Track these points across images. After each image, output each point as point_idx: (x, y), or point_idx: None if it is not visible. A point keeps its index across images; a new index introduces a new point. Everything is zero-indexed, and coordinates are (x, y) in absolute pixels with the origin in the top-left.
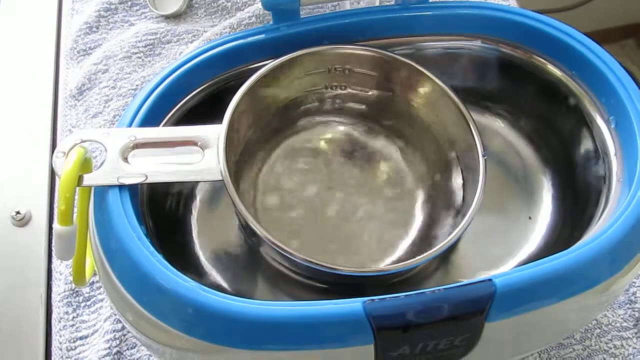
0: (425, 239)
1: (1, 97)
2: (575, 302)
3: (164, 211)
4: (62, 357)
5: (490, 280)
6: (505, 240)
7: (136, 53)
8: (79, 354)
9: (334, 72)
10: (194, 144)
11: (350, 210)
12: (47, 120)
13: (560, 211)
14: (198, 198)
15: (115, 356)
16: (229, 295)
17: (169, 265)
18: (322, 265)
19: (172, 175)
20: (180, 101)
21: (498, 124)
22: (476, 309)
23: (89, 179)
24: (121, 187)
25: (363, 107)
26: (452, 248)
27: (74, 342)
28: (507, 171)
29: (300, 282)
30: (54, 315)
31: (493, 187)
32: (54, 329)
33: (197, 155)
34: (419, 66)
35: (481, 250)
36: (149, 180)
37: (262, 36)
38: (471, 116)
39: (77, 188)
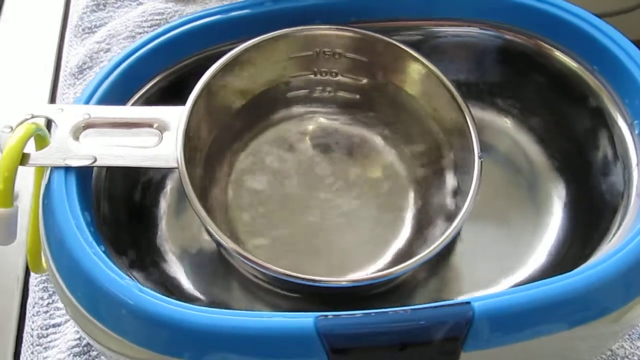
0: (412, 247)
1: (2, 73)
2: (580, 332)
3: (128, 199)
4: (32, 344)
5: (468, 303)
6: (507, 255)
7: (140, 33)
8: (49, 342)
9: (322, 56)
10: (152, 126)
11: (331, 212)
12: (45, 99)
13: (570, 225)
14: (169, 186)
15: (85, 348)
16: (166, 298)
17: (107, 259)
18: (276, 272)
19: (124, 159)
20: (148, 81)
21: (506, 122)
22: (449, 335)
23: (34, 158)
24: (67, 169)
25: (356, 96)
26: (443, 260)
27: (46, 329)
28: (513, 176)
29: (275, 291)
30: (29, 300)
31: (496, 193)
32: (28, 314)
33: (154, 139)
34: (417, 53)
35: (479, 264)
36: (98, 164)
37: (244, 11)
38: (470, 111)
39: (34, 168)
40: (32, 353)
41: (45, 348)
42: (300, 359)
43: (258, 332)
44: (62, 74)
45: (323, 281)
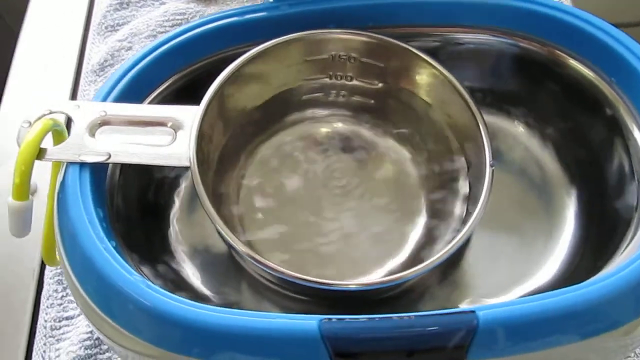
0: (422, 252)
1: (25, 68)
2: (588, 345)
3: (142, 196)
4: (45, 335)
5: (472, 312)
6: (518, 264)
7: (162, 32)
8: (62, 334)
9: (338, 60)
10: (166, 125)
11: (342, 216)
12: (66, 95)
13: (583, 236)
14: (183, 185)
15: (96, 341)
16: (173, 295)
17: (117, 255)
18: (284, 274)
19: (137, 156)
20: (163, 81)
21: (520, 131)
22: (453, 343)
23: (51, 153)
24: (82, 164)
25: (370, 101)
26: (453, 267)
27: (60, 321)
28: (527, 185)
29: (285, 294)
30: (43, 292)
31: (509, 202)
32: (42, 306)
33: (168, 138)
34: (432, 60)
35: (490, 272)
36: (112, 160)
37: (260, 14)
38: (483, 119)
39: (51, 162)
40: (44, 344)
41: (57, 340)
42: None
43: (262, 332)
44: (83, 71)
45: (331, 284)
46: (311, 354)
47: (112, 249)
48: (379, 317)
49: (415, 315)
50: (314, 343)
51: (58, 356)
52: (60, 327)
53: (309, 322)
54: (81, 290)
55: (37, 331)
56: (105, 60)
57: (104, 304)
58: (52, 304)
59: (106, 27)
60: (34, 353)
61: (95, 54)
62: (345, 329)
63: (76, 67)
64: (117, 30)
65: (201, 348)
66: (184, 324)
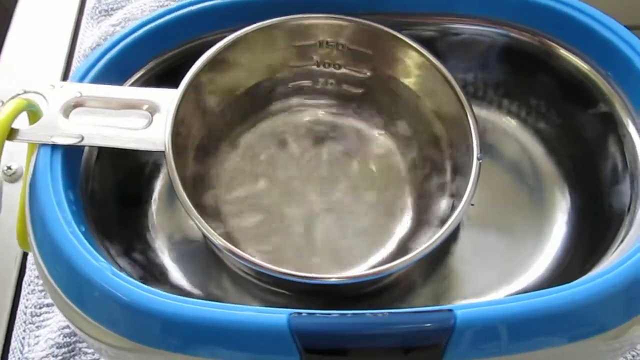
0: (407, 247)
1: (17, 51)
2: (575, 349)
3: (120, 182)
4: (25, 321)
5: (450, 310)
6: (507, 262)
7: None
8: (42, 321)
9: (325, 46)
10: (142, 108)
11: (326, 208)
12: (57, 79)
13: (574, 235)
14: (164, 172)
15: None
16: (139, 283)
17: (84, 240)
18: (255, 264)
19: (111, 139)
20: (144, 65)
21: (512, 125)
22: (427, 343)
23: (22, 134)
24: (54, 146)
25: (359, 90)
26: (439, 263)
27: (40, 308)
28: (518, 181)
29: (265, 287)
30: (25, 278)
31: (499, 198)
32: (23, 292)
33: (144, 121)
34: (423, 49)
35: (478, 270)
36: (85, 143)
37: None
38: (472, 110)
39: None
40: (24, 331)
41: (37, 327)
42: (273, 355)
43: (229, 325)
44: (76, 54)
45: (309, 277)
46: (281, 349)
47: (79, 233)
48: (351, 314)
49: (389, 313)
50: (283, 337)
51: (37, 343)
52: (40, 314)
53: (279, 316)
54: (48, 276)
55: (17, 317)
56: (98, 45)
57: (70, 290)
58: (33, 290)
59: (100, 12)
60: (12, 339)
61: (88, 38)
62: (315, 324)
63: (68, 51)
64: (111, 14)
65: (166, 338)
66: (149, 314)
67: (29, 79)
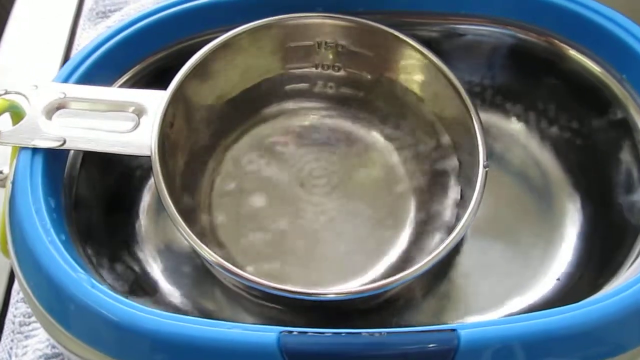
0: (407, 260)
1: (13, 52)
2: None
3: (107, 189)
4: (12, 331)
5: (453, 330)
6: (513, 277)
7: None
8: (31, 330)
9: (324, 48)
10: (128, 110)
11: (322, 218)
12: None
13: (585, 247)
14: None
15: None
16: (118, 297)
17: (62, 249)
18: (246, 279)
19: (95, 143)
20: (132, 65)
21: (519, 131)
22: None
23: (3, 136)
24: (35, 150)
25: (359, 93)
26: (442, 278)
27: (29, 317)
28: (525, 190)
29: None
30: (14, 286)
31: (505, 208)
32: (12, 301)
33: (130, 124)
34: (426, 50)
35: (482, 285)
36: (67, 146)
37: None
38: (478, 115)
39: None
40: (12, 341)
41: (26, 337)
42: None
43: (216, 343)
44: (72, 56)
45: (303, 293)
46: None
47: (58, 242)
48: (346, 332)
49: (387, 332)
50: (271, 357)
51: (25, 354)
52: (29, 324)
53: (268, 335)
54: (26, 287)
55: (5, 326)
56: None
57: (49, 303)
58: (23, 298)
59: (97, 13)
60: (0, 350)
61: (84, 39)
62: (307, 343)
63: (65, 52)
64: (109, 16)
65: (144, 356)
66: (128, 329)
67: (25, 80)
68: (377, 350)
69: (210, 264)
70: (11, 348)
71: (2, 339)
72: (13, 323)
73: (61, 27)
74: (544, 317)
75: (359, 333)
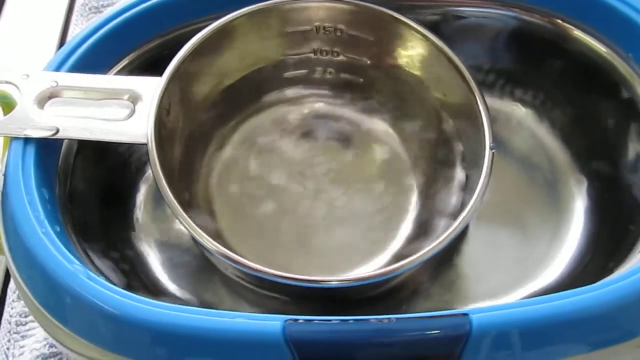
0: (412, 247)
1: (4, 47)
2: (598, 357)
3: (103, 179)
4: (9, 331)
5: (465, 315)
6: (521, 262)
7: None
8: (27, 330)
9: (323, 32)
10: (123, 97)
11: (324, 206)
12: None
13: (594, 232)
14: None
15: None
16: (116, 288)
17: (57, 241)
18: (248, 267)
19: (89, 132)
20: (126, 53)
21: (524, 115)
22: (440, 352)
23: None
24: (27, 140)
25: (359, 79)
26: (447, 265)
27: (25, 316)
28: (531, 174)
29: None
30: (10, 285)
31: (511, 193)
32: (7, 300)
33: (125, 112)
34: (427, 31)
35: (489, 272)
36: (60, 135)
37: None
38: (482, 96)
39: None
40: (8, 341)
41: (22, 337)
42: None
43: (219, 333)
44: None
45: (306, 280)
46: (274, 359)
47: (52, 233)
48: (354, 319)
49: (396, 318)
50: (277, 347)
51: (22, 354)
52: (26, 323)
53: (272, 324)
54: (20, 281)
55: (1, 326)
56: None
57: (44, 297)
58: (19, 297)
59: (90, 9)
60: None
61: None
62: (313, 332)
63: (57, 48)
64: (101, 11)
65: (145, 349)
66: (128, 322)
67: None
68: (387, 337)
69: (212, 254)
70: (8, 348)
71: None
72: (9, 323)
73: (53, 23)
74: (558, 299)
75: (368, 319)
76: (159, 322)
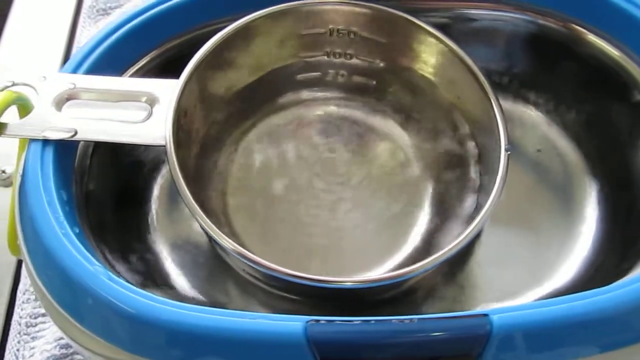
0: (427, 249)
1: (13, 50)
2: (610, 358)
3: (118, 180)
4: (19, 332)
5: (485, 315)
6: (533, 264)
7: None
8: (37, 331)
9: (336, 35)
10: (141, 99)
11: (338, 209)
12: None
13: (606, 234)
14: (165, 169)
15: None
16: (137, 289)
17: (77, 242)
18: (265, 267)
19: (107, 134)
20: (143, 55)
21: (537, 117)
22: (461, 352)
23: (11, 129)
24: (45, 141)
25: (372, 82)
26: (462, 266)
27: (35, 317)
28: (544, 177)
29: (275, 293)
30: (20, 286)
31: (524, 195)
32: (17, 301)
33: (143, 114)
34: (440, 34)
35: (502, 273)
36: (79, 137)
37: None
38: (497, 99)
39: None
40: (18, 342)
41: (32, 338)
42: None
43: (239, 334)
44: (72, 54)
45: (323, 281)
46: None
47: (72, 235)
48: (375, 320)
49: (418, 319)
50: (298, 347)
51: (32, 355)
52: (36, 324)
53: (294, 324)
54: (39, 282)
55: (11, 328)
56: None
57: (63, 297)
58: (29, 299)
59: (97, 10)
60: (6, 351)
61: (85, 37)
62: (335, 332)
63: (65, 50)
64: (109, 13)
65: (168, 350)
66: (149, 323)
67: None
68: (408, 337)
69: (228, 253)
70: (18, 350)
71: (8, 340)
72: (19, 324)
73: (61, 25)
74: (573, 300)
75: (389, 320)
76: (179, 322)
